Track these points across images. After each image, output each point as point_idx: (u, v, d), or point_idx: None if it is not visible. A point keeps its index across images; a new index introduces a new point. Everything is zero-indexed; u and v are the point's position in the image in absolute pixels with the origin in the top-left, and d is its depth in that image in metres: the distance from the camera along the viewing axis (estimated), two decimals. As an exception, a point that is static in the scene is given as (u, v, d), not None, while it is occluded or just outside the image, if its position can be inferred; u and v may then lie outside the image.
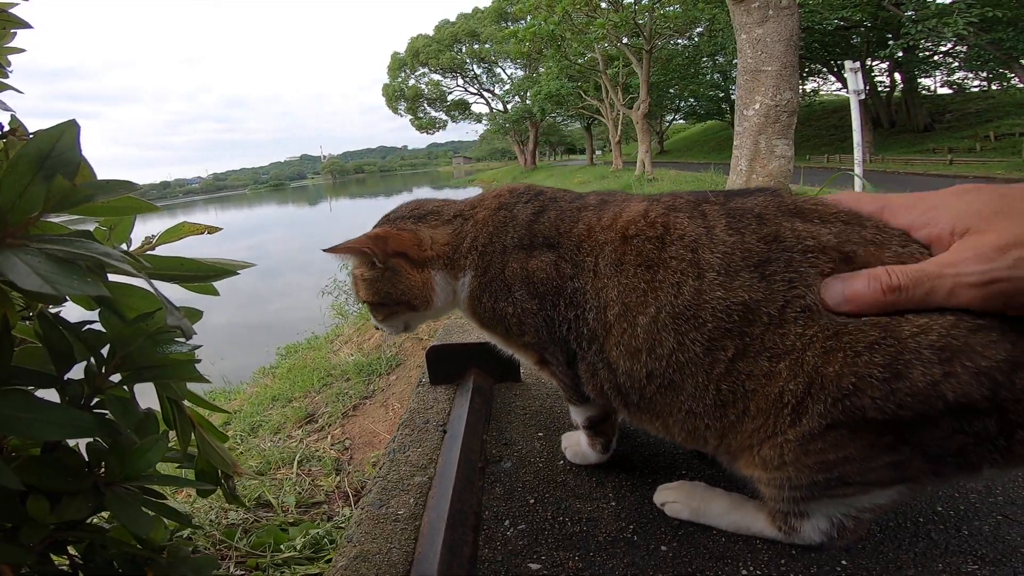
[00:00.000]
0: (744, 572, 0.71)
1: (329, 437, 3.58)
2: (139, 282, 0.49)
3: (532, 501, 0.88)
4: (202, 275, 0.48)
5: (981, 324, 0.52)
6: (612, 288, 0.69)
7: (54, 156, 0.33)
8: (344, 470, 3.20)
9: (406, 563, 0.79)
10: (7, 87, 0.46)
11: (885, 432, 0.57)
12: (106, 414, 0.48)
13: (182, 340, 0.46)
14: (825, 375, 0.57)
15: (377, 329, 0.92)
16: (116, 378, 0.51)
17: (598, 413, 0.86)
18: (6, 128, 0.43)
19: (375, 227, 0.87)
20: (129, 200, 0.42)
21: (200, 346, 0.49)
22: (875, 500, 0.65)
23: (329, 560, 1.96)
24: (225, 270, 0.50)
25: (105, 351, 0.50)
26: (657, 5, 13.30)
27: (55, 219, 0.41)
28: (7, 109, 0.42)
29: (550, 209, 0.79)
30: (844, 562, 0.71)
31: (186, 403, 0.59)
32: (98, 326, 0.50)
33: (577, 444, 0.94)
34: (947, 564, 0.70)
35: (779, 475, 0.65)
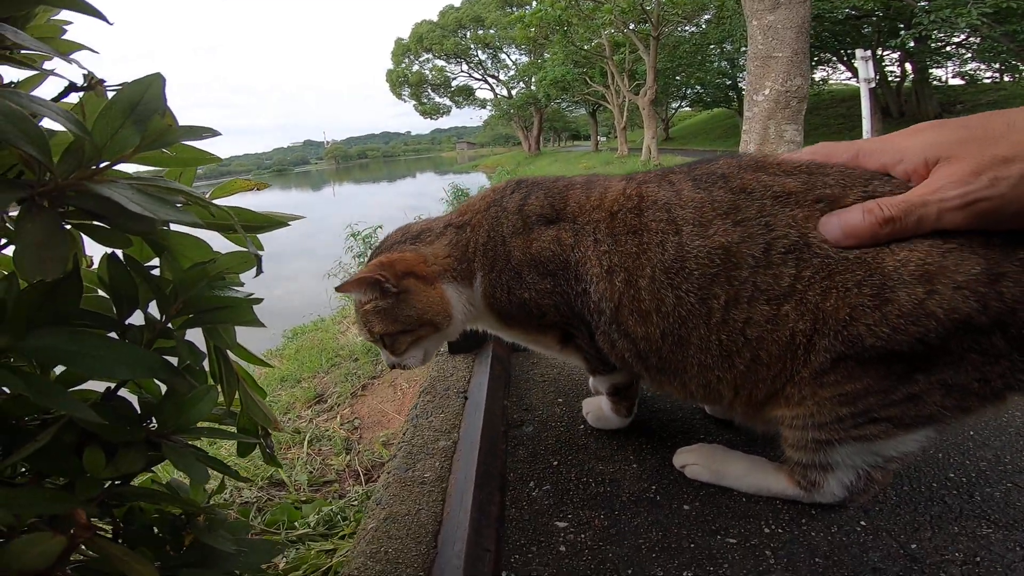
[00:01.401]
0: (767, 530, 0.73)
1: (338, 417, 3.63)
2: (189, 231, 0.51)
3: (556, 463, 0.90)
4: (256, 225, 0.50)
5: (952, 247, 0.57)
6: (613, 255, 0.73)
7: (143, 103, 0.35)
8: (354, 449, 3.25)
9: (435, 523, 0.82)
10: (82, 47, 0.47)
11: (893, 361, 0.60)
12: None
13: (239, 287, 0.48)
14: (825, 310, 0.61)
15: (393, 369, 0.93)
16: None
17: (623, 380, 0.88)
18: (86, 84, 0.44)
19: (371, 261, 0.87)
20: (194, 151, 0.44)
21: (253, 293, 0.50)
22: (902, 446, 0.66)
23: (343, 536, 2.00)
24: (278, 221, 0.52)
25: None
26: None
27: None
28: (83, 68, 0.43)
29: (536, 191, 0.83)
30: (863, 523, 0.74)
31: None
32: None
33: (599, 409, 0.96)
34: (962, 527, 0.72)
35: (801, 411, 0.67)
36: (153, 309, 0.52)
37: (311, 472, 2.97)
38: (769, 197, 0.66)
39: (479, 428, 0.94)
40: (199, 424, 0.53)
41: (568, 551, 0.73)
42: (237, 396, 0.64)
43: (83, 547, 0.40)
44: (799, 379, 0.66)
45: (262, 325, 0.49)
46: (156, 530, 0.60)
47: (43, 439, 0.40)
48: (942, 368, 0.59)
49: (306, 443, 3.28)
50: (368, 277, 0.80)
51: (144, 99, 0.35)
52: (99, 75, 0.46)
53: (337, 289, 0.83)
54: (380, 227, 6.98)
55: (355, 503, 2.46)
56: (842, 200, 0.63)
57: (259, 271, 0.47)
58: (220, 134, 0.40)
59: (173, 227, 0.51)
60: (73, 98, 0.45)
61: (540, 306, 0.80)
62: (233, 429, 0.67)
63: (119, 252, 0.44)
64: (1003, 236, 0.56)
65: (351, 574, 0.76)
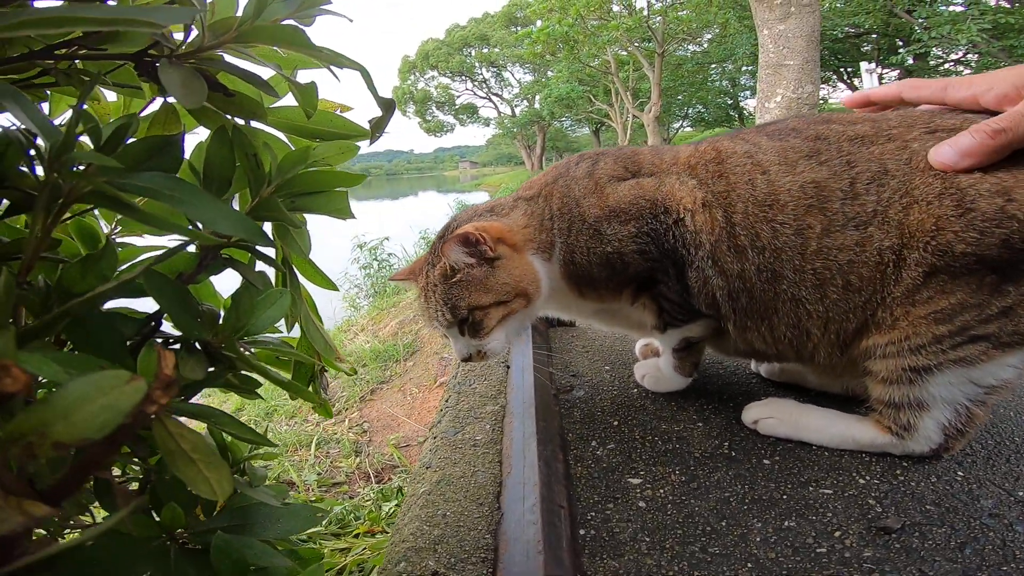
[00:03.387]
0: (861, 481, 0.68)
1: (347, 421, 3.56)
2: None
3: (616, 423, 0.85)
4: (343, 133, 0.47)
5: (1020, 170, 0.60)
6: (704, 191, 0.74)
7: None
8: (364, 452, 3.17)
9: (495, 485, 0.76)
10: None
11: (983, 270, 0.61)
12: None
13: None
14: (909, 224, 0.64)
15: (467, 362, 0.83)
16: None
17: (699, 332, 0.83)
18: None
19: (443, 242, 0.80)
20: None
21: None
22: (1001, 372, 0.64)
23: (357, 535, 1.93)
24: (364, 132, 0.49)
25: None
26: (670, 9, 13.36)
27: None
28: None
29: (604, 158, 0.83)
30: (960, 474, 0.68)
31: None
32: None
33: (656, 370, 0.92)
34: (1066, 477, 0.67)
35: (896, 335, 0.65)
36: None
37: (320, 474, 2.89)
38: (845, 140, 0.70)
39: (530, 389, 0.89)
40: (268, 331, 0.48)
41: (649, 506, 0.67)
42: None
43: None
44: (891, 300, 0.66)
45: (354, 217, 0.45)
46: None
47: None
48: None
49: (314, 445, 3.21)
50: (469, 234, 0.75)
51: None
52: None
53: (441, 244, 0.78)
54: (387, 238, 7.00)
55: (366, 503, 2.38)
56: (907, 136, 0.67)
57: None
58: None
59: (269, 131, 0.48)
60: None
61: (623, 256, 0.76)
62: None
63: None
64: None
65: (406, 539, 0.70)
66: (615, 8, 13.46)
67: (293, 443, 3.18)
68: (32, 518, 0.20)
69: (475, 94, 33.28)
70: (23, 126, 0.38)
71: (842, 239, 0.67)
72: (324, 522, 1.99)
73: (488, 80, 32.47)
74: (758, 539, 0.60)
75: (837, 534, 0.60)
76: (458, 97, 33.33)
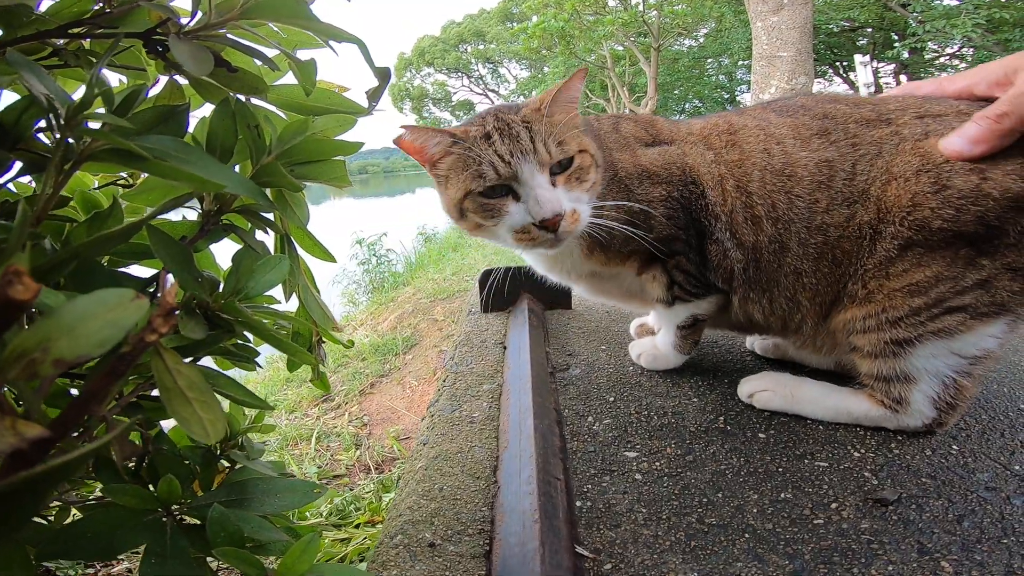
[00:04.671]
0: (856, 455, 0.68)
1: (346, 414, 3.56)
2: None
3: (612, 399, 0.85)
4: (341, 110, 0.48)
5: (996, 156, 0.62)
6: (720, 164, 0.76)
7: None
8: (363, 444, 3.17)
9: (492, 459, 0.76)
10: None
11: (958, 243, 0.62)
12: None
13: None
14: (886, 199, 0.66)
15: (549, 228, 0.68)
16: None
17: (706, 309, 0.83)
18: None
19: (526, 107, 0.75)
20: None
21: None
22: (981, 342, 0.65)
23: (357, 526, 1.93)
24: (362, 109, 0.49)
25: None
26: (666, 3, 13.33)
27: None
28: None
29: (624, 120, 0.85)
30: (955, 447, 0.69)
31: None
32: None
33: (654, 348, 0.92)
34: (1059, 449, 0.67)
35: (872, 308, 0.67)
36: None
37: (320, 466, 2.90)
38: (852, 122, 0.72)
39: (527, 367, 0.89)
40: (266, 299, 0.49)
41: (645, 479, 0.67)
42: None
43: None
44: (863, 272, 0.68)
45: (350, 183, 0.46)
46: (188, 462, 0.54)
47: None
48: (1005, 251, 0.62)
49: (314, 439, 3.21)
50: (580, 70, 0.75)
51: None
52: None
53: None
54: (385, 234, 6.98)
55: (366, 494, 2.38)
56: (898, 121, 0.69)
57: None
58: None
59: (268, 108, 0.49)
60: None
61: (650, 218, 0.76)
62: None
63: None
64: None
65: (403, 513, 0.70)
66: (611, 3, 13.43)
67: (293, 437, 3.18)
68: (24, 439, 0.20)
69: (472, 90, 33.19)
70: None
71: (837, 216, 0.70)
72: (325, 513, 2.00)
73: (484, 76, 32.40)
74: (755, 510, 0.61)
75: (834, 506, 0.60)
76: (454, 94, 33.24)
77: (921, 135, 0.66)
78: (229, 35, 0.44)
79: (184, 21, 0.45)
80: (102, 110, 0.37)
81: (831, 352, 0.80)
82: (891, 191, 0.66)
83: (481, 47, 30.20)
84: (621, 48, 14.48)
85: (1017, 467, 0.65)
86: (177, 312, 0.28)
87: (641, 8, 13.14)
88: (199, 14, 0.44)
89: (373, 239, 6.77)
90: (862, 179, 0.69)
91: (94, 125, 0.35)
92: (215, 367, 0.54)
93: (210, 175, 0.33)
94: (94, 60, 0.45)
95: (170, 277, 0.29)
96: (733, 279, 0.77)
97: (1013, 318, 0.64)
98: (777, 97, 0.79)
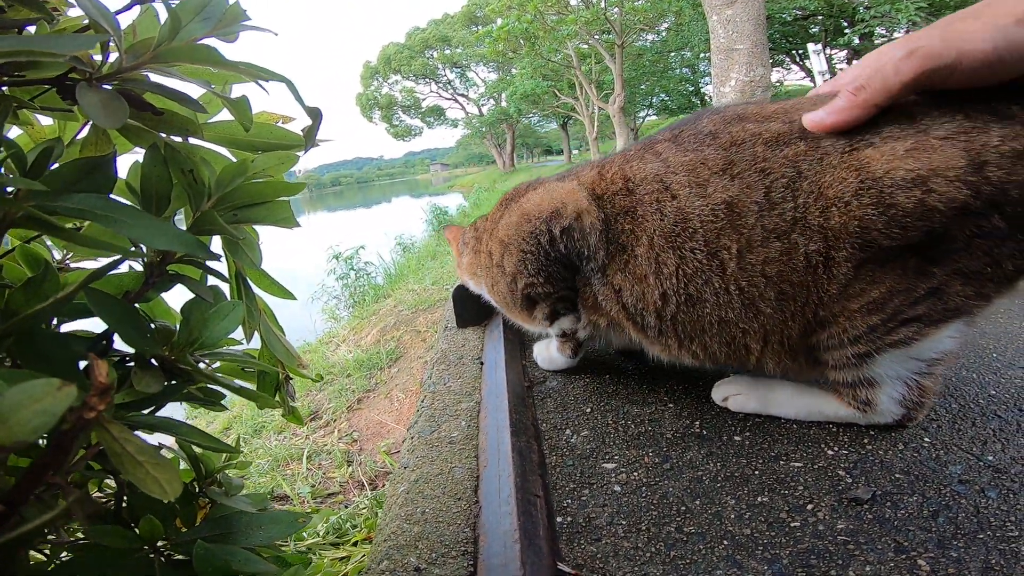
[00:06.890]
0: (830, 452, 0.69)
1: (336, 432, 3.51)
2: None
3: (589, 410, 0.86)
4: (283, 144, 0.46)
5: (935, 145, 0.59)
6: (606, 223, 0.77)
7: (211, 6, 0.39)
8: (355, 461, 3.13)
9: (472, 479, 0.76)
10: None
11: (906, 255, 0.62)
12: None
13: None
14: (832, 228, 0.63)
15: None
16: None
17: (570, 326, 0.91)
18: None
19: (546, 188, 0.86)
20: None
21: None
22: (938, 345, 0.65)
23: (355, 543, 1.90)
24: (300, 141, 0.48)
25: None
26: (626, 0, 13.47)
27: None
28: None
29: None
30: (927, 440, 0.70)
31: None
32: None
33: (547, 350, 1.01)
34: (1026, 436, 0.69)
35: (835, 330, 0.66)
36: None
37: (313, 485, 2.85)
38: (760, 144, 0.68)
39: (503, 383, 0.89)
40: (224, 343, 0.48)
41: (624, 490, 0.68)
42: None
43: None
44: (828, 298, 0.66)
45: (298, 225, 0.45)
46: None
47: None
48: (954, 257, 0.61)
49: (305, 458, 3.16)
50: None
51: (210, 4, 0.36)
52: None
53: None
54: (362, 247, 6.91)
55: (362, 511, 2.35)
56: (813, 134, 0.66)
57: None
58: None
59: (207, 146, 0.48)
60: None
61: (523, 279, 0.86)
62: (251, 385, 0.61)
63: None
64: (978, 129, 0.59)
65: (388, 538, 0.69)
66: (572, 2, 13.53)
67: (284, 457, 3.12)
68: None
69: (440, 96, 33.10)
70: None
71: (766, 253, 0.66)
72: (322, 532, 1.96)
73: (452, 81, 32.33)
74: (732, 516, 0.61)
75: (809, 507, 0.61)
76: (423, 100, 33.11)
77: (846, 147, 0.63)
78: (152, 77, 0.43)
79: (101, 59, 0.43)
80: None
81: (800, 376, 0.79)
82: (835, 219, 0.62)
83: (447, 52, 30.14)
84: (586, 46, 14.60)
85: (990, 457, 0.66)
86: (111, 389, 0.28)
87: (603, 5, 13.26)
88: (112, 57, 0.42)
89: (350, 252, 6.70)
90: (787, 207, 0.65)
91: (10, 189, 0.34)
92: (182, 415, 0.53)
93: (141, 234, 0.32)
94: (15, 104, 0.43)
95: (99, 361, 0.28)
96: (621, 320, 0.81)
97: (967, 318, 0.64)
98: (695, 115, 0.77)
